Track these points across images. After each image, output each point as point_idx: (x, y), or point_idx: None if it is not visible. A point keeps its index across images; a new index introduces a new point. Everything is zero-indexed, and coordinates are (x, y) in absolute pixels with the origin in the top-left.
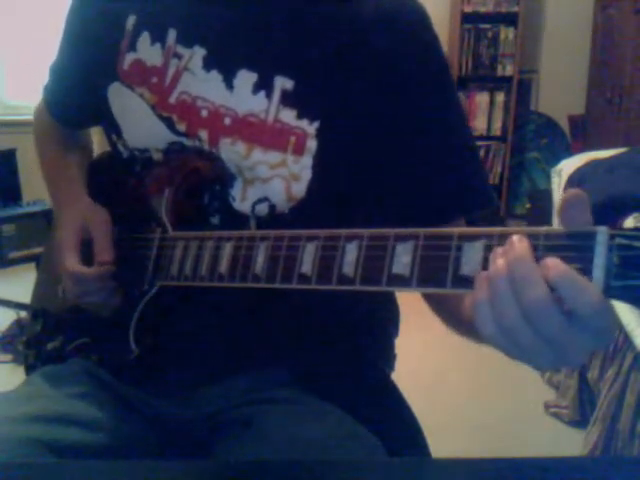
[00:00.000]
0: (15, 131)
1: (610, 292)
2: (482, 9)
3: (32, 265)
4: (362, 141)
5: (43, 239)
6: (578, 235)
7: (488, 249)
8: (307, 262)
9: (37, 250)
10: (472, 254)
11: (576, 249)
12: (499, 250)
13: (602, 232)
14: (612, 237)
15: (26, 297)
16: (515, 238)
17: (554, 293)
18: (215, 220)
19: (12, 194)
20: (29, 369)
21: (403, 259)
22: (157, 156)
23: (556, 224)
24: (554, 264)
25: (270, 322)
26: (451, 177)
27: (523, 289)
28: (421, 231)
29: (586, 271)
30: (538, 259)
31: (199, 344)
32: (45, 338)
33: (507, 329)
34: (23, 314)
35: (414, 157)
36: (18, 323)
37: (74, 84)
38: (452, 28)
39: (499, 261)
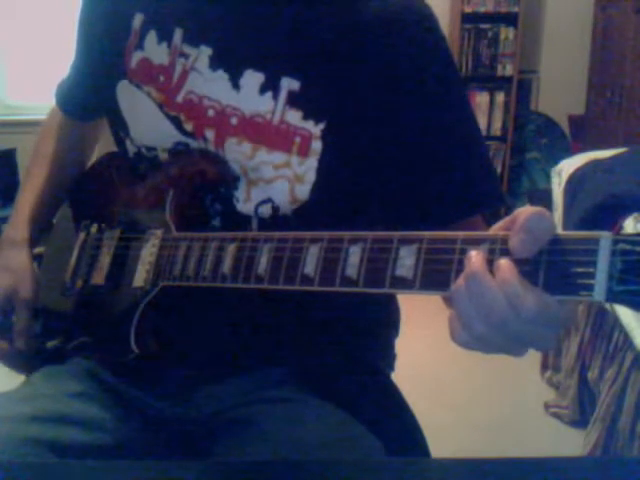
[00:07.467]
0: (15, 131)
1: (612, 297)
2: (482, 9)
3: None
4: (367, 142)
5: (43, 239)
6: (582, 240)
7: (492, 253)
8: (310, 264)
9: (37, 250)
10: None
11: (580, 254)
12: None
13: (605, 237)
14: (615, 242)
15: None
16: (472, 253)
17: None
18: (218, 221)
19: (12, 194)
20: None
21: (406, 262)
22: (163, 156)
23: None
24: (504, 268)
25: (270, 322)
26: (457, 178)
27: (482, 303)
28: (425, 234)
29: (589, 275)
30: (539, 263)
31: (200, 344)
32: (45, 337)
33: (477, 337)
34: None
35: (420, 159)
36: None
37: (84, 81)
38: (452, 28)
39: (459, 281)
